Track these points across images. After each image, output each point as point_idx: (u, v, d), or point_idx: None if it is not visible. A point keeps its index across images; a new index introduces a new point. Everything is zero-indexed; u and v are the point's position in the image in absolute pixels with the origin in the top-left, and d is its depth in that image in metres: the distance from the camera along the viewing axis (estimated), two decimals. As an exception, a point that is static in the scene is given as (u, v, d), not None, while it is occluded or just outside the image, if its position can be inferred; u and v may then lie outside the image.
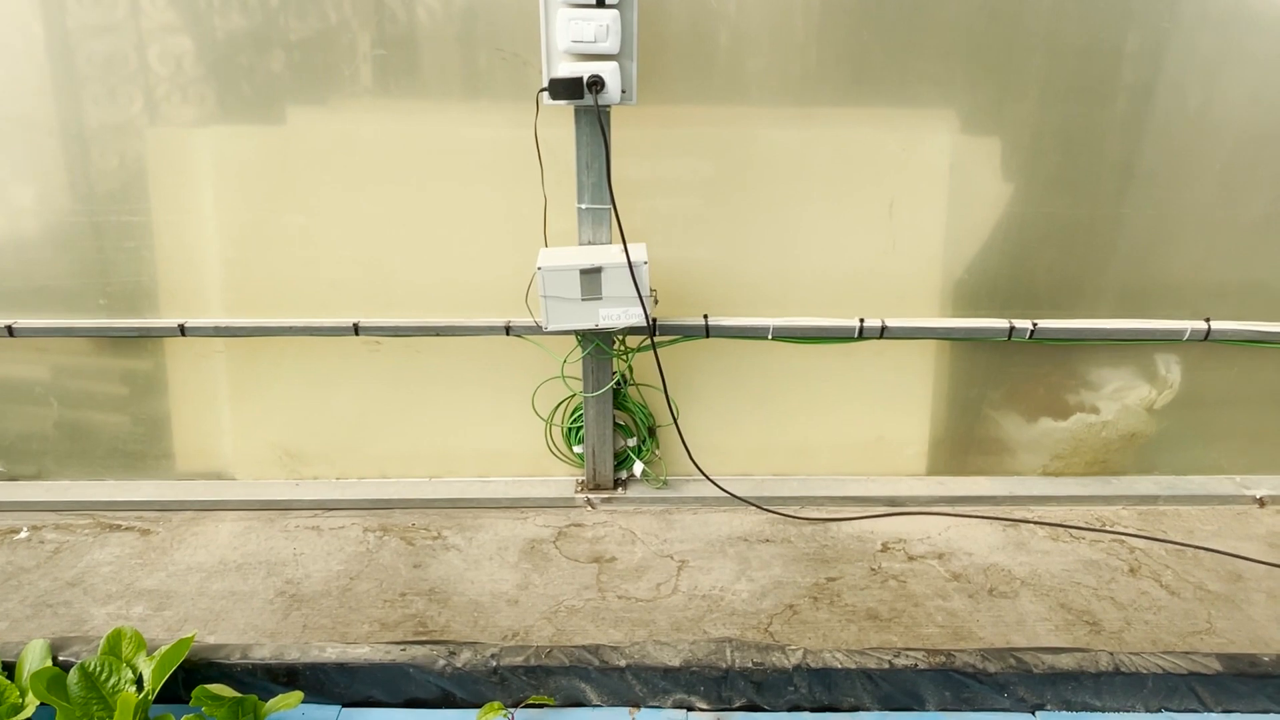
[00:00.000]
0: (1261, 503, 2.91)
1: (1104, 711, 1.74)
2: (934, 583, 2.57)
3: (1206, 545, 2.71)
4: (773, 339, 2.61)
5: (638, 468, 2.83)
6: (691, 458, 2.69)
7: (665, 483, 2.88)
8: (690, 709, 1.77)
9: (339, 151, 2.54)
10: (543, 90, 2.08)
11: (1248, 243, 2.66)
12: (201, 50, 2.45)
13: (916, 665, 1.75)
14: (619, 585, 2.56)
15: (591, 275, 2.30)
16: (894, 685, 1.76)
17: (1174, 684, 1.76)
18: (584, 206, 2.35)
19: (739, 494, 2.82)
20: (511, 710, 1.76)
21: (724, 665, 1.74)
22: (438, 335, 2.60)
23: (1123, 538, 2.77)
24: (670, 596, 2.52)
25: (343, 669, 1.78)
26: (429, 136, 2.51)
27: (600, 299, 2.33)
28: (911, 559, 2.68)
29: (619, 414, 2.78)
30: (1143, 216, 2.65)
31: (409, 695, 1.79)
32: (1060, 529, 2.81)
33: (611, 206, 2.30)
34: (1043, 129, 2.55)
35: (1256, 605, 2.48)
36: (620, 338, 2.58)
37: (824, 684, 1.75)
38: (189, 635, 1.69)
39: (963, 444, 2.96)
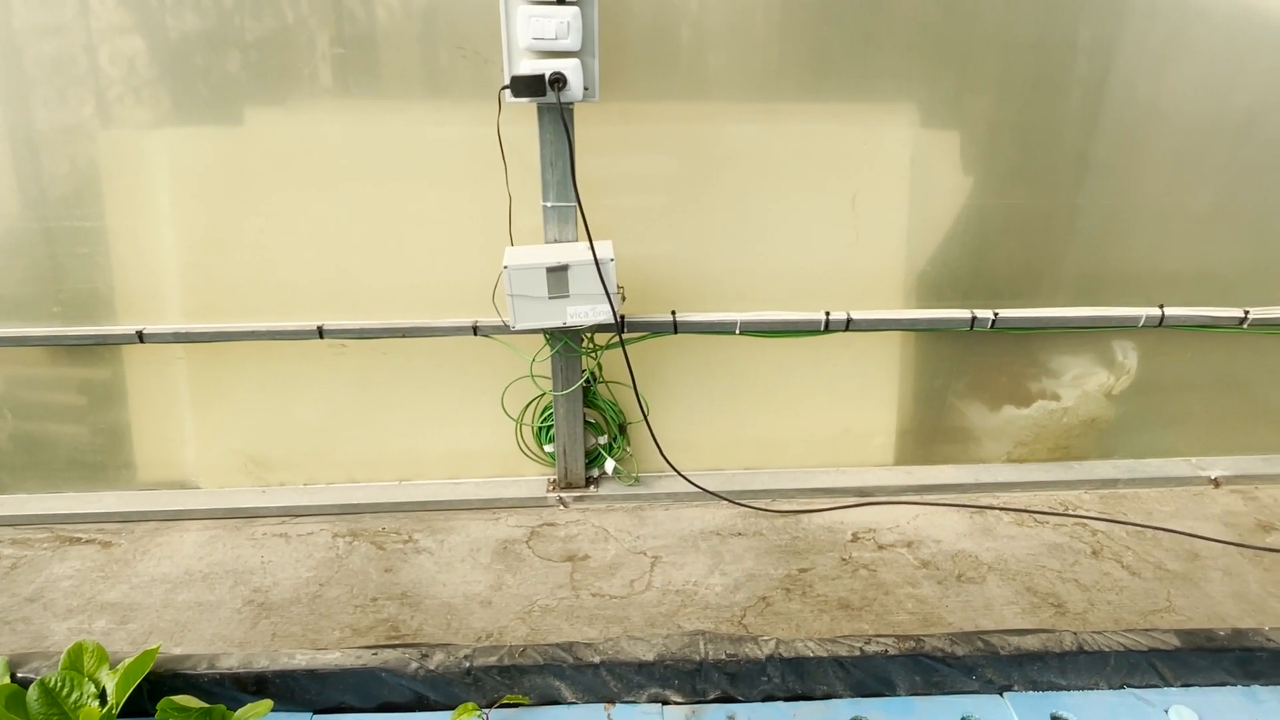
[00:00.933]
0: (1216, 483, 2.99)
1: (1069, 690, 1.78)
2: (904, 570, 2.61)
3: (1165, 526, 2.78)
4: (740, 334, 2.63)
5: (609, 465, 2.83)
6: (663, 454, 2.70)
7: (637, 480, 2.89)
8: (666, 703, 1.77)
9: (299, 153, 2.50)
10: (504, 88, 2.07)
11: (1197, 231, 2.74)
12: (154, 51, 2.40)
13: (887, 651, 1.77)
14: (592, 583, 2.56)
15: (558, 273, 2.29)
16: (865, 672, 1.78)
17: (1135, 661, 1.80)
18: (549, 204, 2.35)
19: (710, 489, 2.83)
20: (486, 711, 1.76)
21: (698, 658, 1.75)
22: (404, 337, 2.57)
23: (1085, 521, 2.83)
24: (644, 593, 2.52)
25: (313, 675, 1.75)
26: (391, 136, 2.49)
27: (567, 297, 2.33)
28: (881, 548, 2.72)
29: (589, 412, 2.78)
30: (1098, 207, 2.71)
31: (382, 699, 1.77)
32: (1025, 514, 2.86)
33: (577, 204, 2.29)
34: (1000, 122, 2.60)
35: (1213, 583, 2.56)
36: (589, 335, 2.58)
37: (796, 673, 1.77)
38: (154, 647, 1.66)
39: (929, 434, 3.01)
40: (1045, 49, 2.52)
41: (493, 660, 1.75)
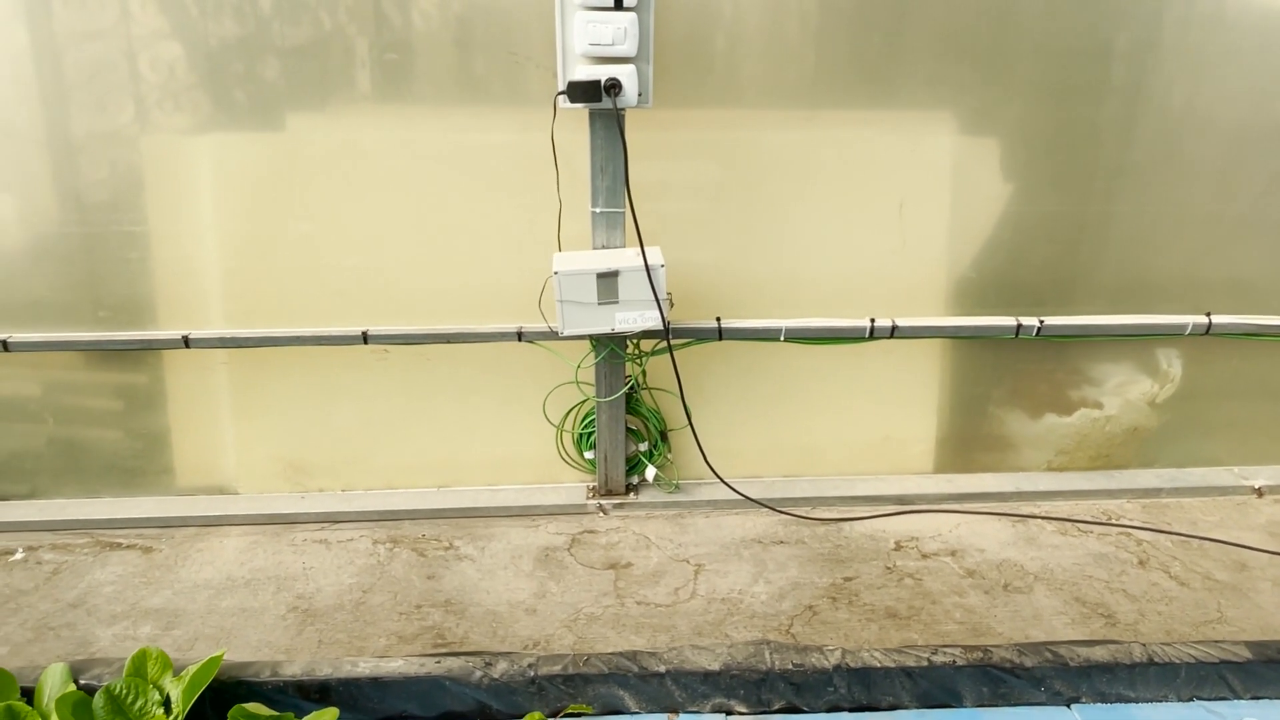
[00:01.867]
0: (1260, 492, 2.97)
1: (1137, 702, 1.76)
2: (949, 580, 2.59)
3: (1211, 536, 2.76)
4: (785, 340, 2.62)
5: (650, 472, 2.81)
6: (707, 461, 2.69)
7: (677, 486, 2.88)
8: (729, 713, 1.76)
9: (341, 158, 2.50)
10: (560, 93, 2.07)
11: (1238, 239, 2.72)
12: (194, 57, 2.40)
13: (954, 662, 1.76)
14: (637, 591, 2.54)
15: (608, 279, 2.28)
16: (932, 682, 1.76)
17: (1205, 673, 1.78)
18: (598, 210, 2.34)
19: (751, 495, 2.82)
20: (550, 720, 1.74)
21: (764, 668, 1.73)
22: (449, 342, 2.57)
23: (1129, 530, 2.81)
24: (689, 601, 2.51)
25: (376, 683, 1.74)
26: (433, 142, 2.49)
27: (616, 303, 2.32)
28: (925, 557, 2.70)
29: (630, 418, 2.77)
30: (1136, 213, 2.70)
31: (444, 709, 1.75)
32: (1068, 523, 2.84)
33: (629, 209, 2.29)
34: (1039, 129, 2.60)
35: (1263, 593, 2.53)
36: (635, 341, 2.57)
37: (863, 683, 1.75)
38: (218, 654, 1.65)
39: (969, 441, 2.99)
40: (1084, 55, 2.52)
41: (556, 669, 1.74)
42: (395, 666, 1.76)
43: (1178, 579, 2.60)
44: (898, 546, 2.75)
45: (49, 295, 2.61)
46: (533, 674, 1.74)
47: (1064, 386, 2.91)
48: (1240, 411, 2.98)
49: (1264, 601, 2.50)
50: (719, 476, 2.73)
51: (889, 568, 2.65)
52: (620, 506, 2.86)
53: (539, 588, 2.56)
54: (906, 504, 2.90)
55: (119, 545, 2.75)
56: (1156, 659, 1.77)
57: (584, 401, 2.74)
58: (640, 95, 2.18)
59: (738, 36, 2.44)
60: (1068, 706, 1.76)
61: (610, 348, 2.53)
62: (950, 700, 1.76)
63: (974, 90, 2.54)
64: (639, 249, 2.31)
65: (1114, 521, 2.86)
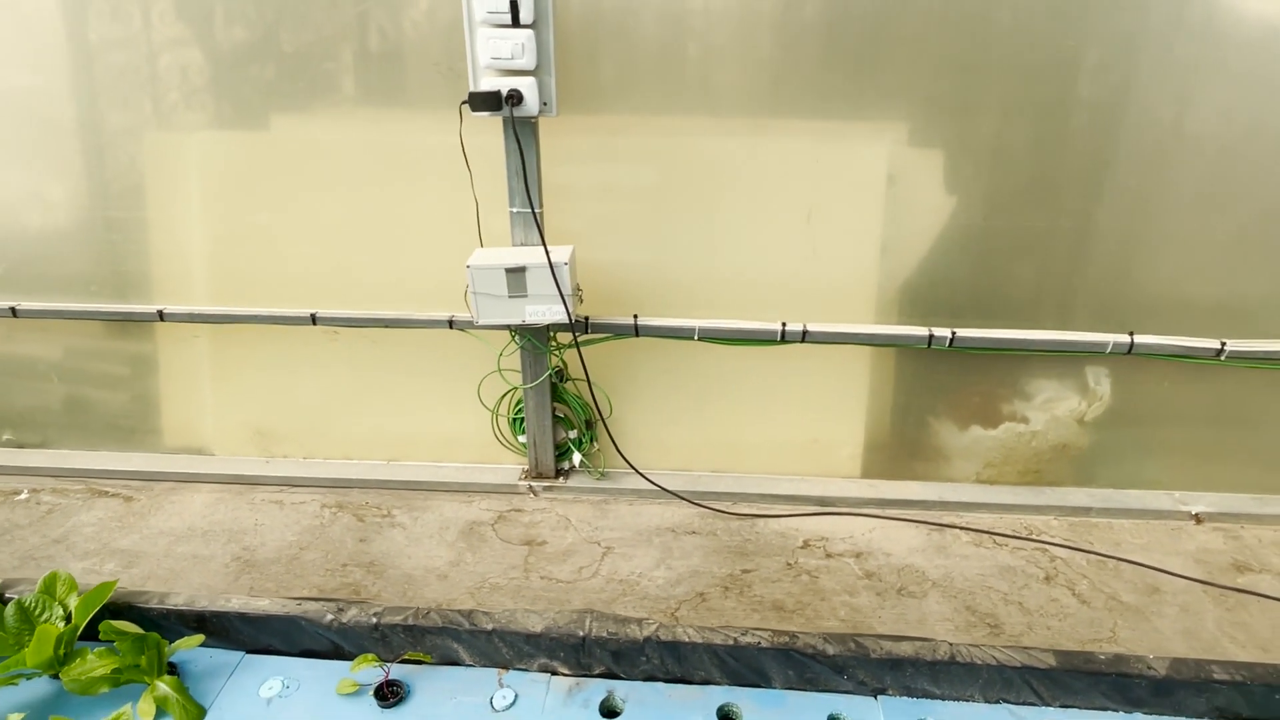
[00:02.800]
0: (1198, 519, 2.91)
1: (943, 700, 1.82)
2: (845, 579, 2.66)
3: (1130, 558, 2.73)
4: (699, 340, 2.74)
5: (576, 458, 2.98)
6: (619, 449, 2.84)
7: (603, 474, 3.03)
8: (554, 673, 1.91)
9: (312, 156, 2.75)
10: (463, 103, 2.27)
11: (1177, 258, 2.68)
12: (201, 62, 2.69)
13: (760, 644, 1.86)
14: (544, 567, 2.72)
15: (516, 274, 2.47)
16: (740, 661, 1.87)
17: (1010, 677, 1.82)
18: (515, 210, 2.53)
19: (670, 488, 2.95)
20: (389, 664, 1.94)
21: (581, 634, 1.88)
22: (387, 328, 2.80)
23: (1046, 546, 2.81)
24: (590, 579, 2.66)
25: (244, 618, 1.98)
26: (387, 144, 2.71)
27: (526, 296, 2.50)
28: (829, 556, 2.77)
29: (559, 406, 2.95)
30: (1080, 229, 2.69)
31: (304, 646, 1.97)
32: (985, 535, 2.86)
33: (531, 209, 2.47)
34: (987, 142, 2.60)
35: (1166, 618, 2.50)
36: (553, 334, 2.75)
37: (675, 656, 1.87)
38: (111, 581, 1.92)
39: (898, 449, 3.04)
40: (1044, 69, 2.52)
41: (398, 619, 1.93)
42: (261, 605, 1.99)
43: (1080, 596, 2.60)
44: (805, 545, 2.83)
45: (66, 269, 2.97)
46: (376, 621, 1.94)
47: (993, 400, 2.92)
48: (1183, 436, 2.91)
49: (1164, 625, 2.47)
50: (631, 465, 2.87)
51: (790, 564, 2.73)
52: (550, 489, 3.04)
53: (456, 557, 2.77)
54: (827, 505, 2.98)
55: (106, 493, 3.11)
56: (959, 658, 1.82)
57: (517, 388, 2.93)
58: (544, 105, 2.35)
59: (672, 46, 2.55)
60: (874, 697, 1.83)
61: (529, 338, 2.71)
62: (760, 681, 1.86)
63: (915, 102, 2.57)
64: (560, 246, 2.49)
65: (1032, 537, 2.86)
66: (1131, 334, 2.65)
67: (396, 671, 1.97)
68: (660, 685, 1.86)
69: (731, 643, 1.86)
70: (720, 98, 2.62)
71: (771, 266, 2.79)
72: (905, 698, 1.83)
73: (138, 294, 3.00)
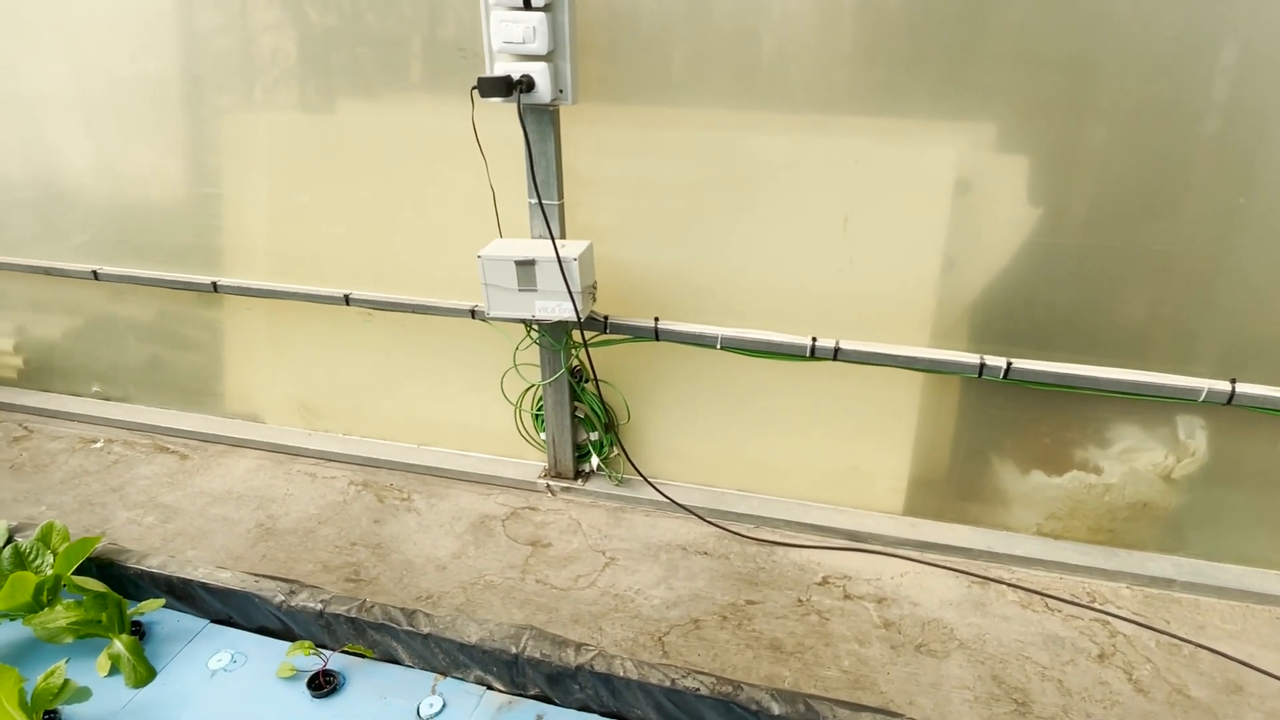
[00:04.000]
0: (1313, 610, 2.42)
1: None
2: (859, 626, 2.41)
3: (1212, 645, 2.31)
4: (722, 349, 2.56)
5: (594, 462, 2.88)
6: (628, 457, 2.71)
7: (621, 481, 2.91)
8: (489, 687, 1.81)
9: (368, 140, 2.75)
10: (473, 88, 2.20)
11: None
12: (290, 47, 2.75)
13: (699, 690, 1.68)
14: (542, 570, 2.63)
15: (526, 267, 2.39)
16: (678, 706, 1.70)
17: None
18: (533, 201, 2.45)
19: (687, 503, 2.79)
20: (327, 653, 1.91)
21: (514, 651, 1.77)
22: (413, 313, 2.81)
23: (1109, 619, 2.42)
24: (585, 589, 2.56)
25: (206, 588, 2.02)
26: (435, 128, 2.66)
27: (535, 291, 2.42)
28: (847, 597, 2.52)
29: (581, 406, 2.85)
30: (1184, 255, 2.28)
31: (259, 623, 1.99)
32: (1036, 596, 2.51)
33: (537, 201, 2.37)
34: (1083, 150, 2.23)
35: (1244, 724, 2.09)
36: (570, 331, 2.65)
37: (609, 689, 1.73)
38: (95, 536, 2.01)
39: (947, 487, 2.72)
40: (1112, 71, 2.16)
41: (343, 610, 1.90)
42: (224, 577, 2.02)
43: (1138, 683, 2.22)
44: (824, 581, 2.59)
45: (160, 239, 3.16)
46: (321, 609, 1.92)
47: (1064, 443, 2.55)
48: (1302, 507, 2.43)
49: (1238, 734, 2.07)
50: (641, 474, 2.74)
51: (801, 600, 2.51)
52: (568, 490, 2.95)
53: (460, 549, 2.74)
54: (857, 541, 2.72)
55: (167, 450, 3.32)
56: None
57: (534, 385, 2.86)
58: (560, 92, 2.25)
59: (714, 35, 2.36)
60: (823, 769, 1.61)
61: (543, 334, 2.63)
62: (698, 729, 1.68)
63: (988, 100, 2.26)
64: (575, 241, 2.39)
65: (1094, 605, 2.47)
66: (1234, 381, 2.22)
67: (337, 662, 1.95)
68: (592, 718, 1.73)
69: (669, 684, 1.70)
70: (785, 91, 2.38)
71: (811, 276, 2.55)
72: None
73: (211, 266, 3.16)
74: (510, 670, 1.80)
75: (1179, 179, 2.20)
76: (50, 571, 1.99)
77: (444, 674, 1.85)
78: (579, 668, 1.73)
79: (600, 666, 1.73)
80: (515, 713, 1.80)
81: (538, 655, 1.78)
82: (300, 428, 3.30)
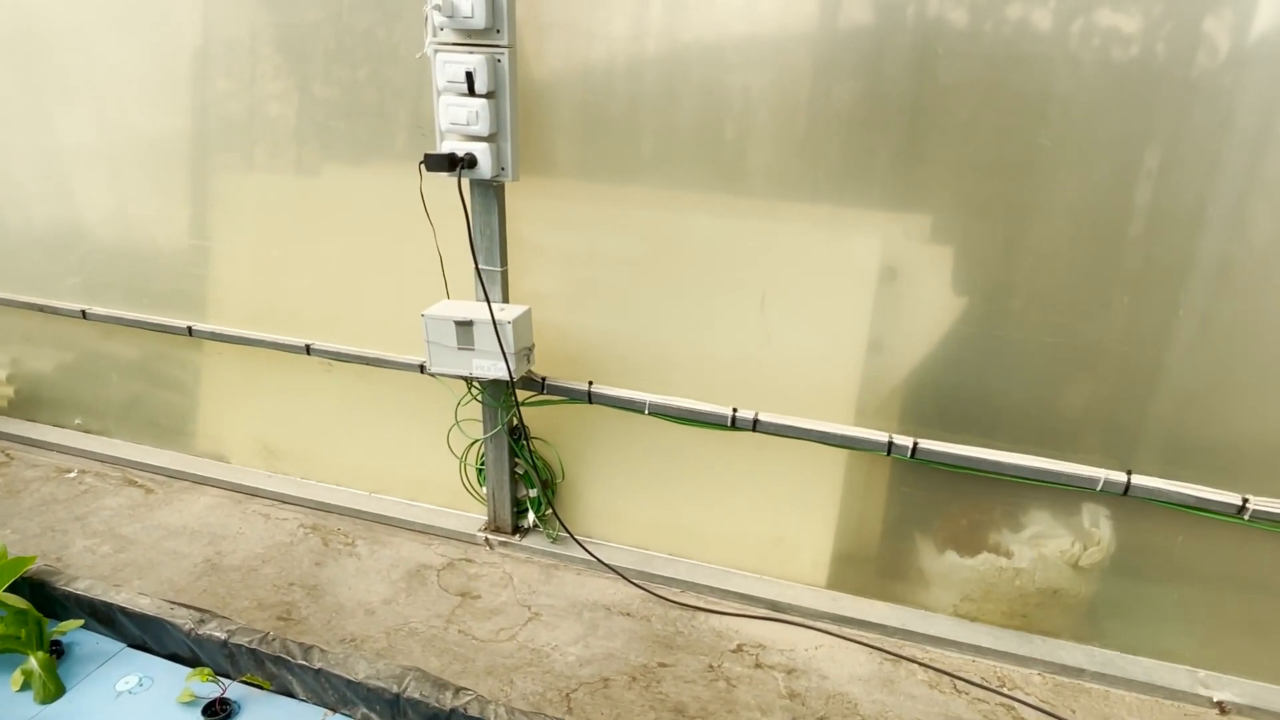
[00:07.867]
0: (1222, 709, 2.41)
1: None
2: (765, 695, 2.45)
3: (1112, 738, 2.31)
4: (650, 415, 2.67)
5: (530, 519, 2.97)
6: (557, 515, 2.80)
7: (557, 538, 3.00)
8: (373, 727, 1.89)
9: (345, 204, 2.96)
10: (420, 163, 2.40)
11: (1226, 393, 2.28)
12: (285, 116, 2.99)
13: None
14: (466, 621, 2.71)
15: (465, 327, 2.54)
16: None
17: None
18: (479, 267, 2.62)
19: (616, 564, 2.86)
20: (226, 682, 2.00)
21: (396, 690, 1.85)
22: (367, 365, 2.96)
23: (1015, 704, 2.44)
24: (504, 643, 2.63)
25: (124, 612, 2.12)
26: (394, 195, 2.86)
27: (473, 350, 2.57)
28: (758, 666, 2.56)
29: (521, 463, 2.96)
30: (1104, 350, 2.35)
31: (171, 650, 2.08)
32: (946, 677, 2.53)
33: (476, 271, 2.54)
34: (1012, 242, 2.33)
35: (1130, 820, 2.09)
36: (510, 389, 2.78)
37: (484, 736, 1.80)
38: (29, 556, 2.14)
39: (868, 563, 2.77)
40: (1035, 166, 2.28)
41: (245, 641, 2.00)
42: (143, 603, 2.13)
43: (1030, 772, 2.23)
44: (738, 649, 2.64)
45: (148, 284, 3.37)
46: (226, 638, 2.01)
47: (980, 526, 2.61)
48: (1206, 602, 2.45)
49: (1122, 829, 2.07)
50: (569, 532, 2.82)
51: (713, 666, 2.56)
52: (505, 545, 3.04)
53: (391, 596, 2.83)
54: (777, 611, 2.77)
55: (135, 483, 3.47)
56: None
57: (477, 440, 2.98)
58: (503, 169, 2.44)
59: (667, 121, 2.52)
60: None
61: (483, 391, 2.77)
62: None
63: (925, 194, 2.38)
64: (514, 306, 2.56)
65: (1003, 690, 2.49)
66: (1129, 472, 2.29)
67: (236, 692, 2.04)
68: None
69: (537, 734, 1.76)
70: (738, 176, 2.52)
71: (734, 351, 2.67)
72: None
73: (197, 311, 3.35)
74: (392, 710, 1.88)
75: (1104, 276, 2.27)
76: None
77: (333, 709, 1.93)
78: (453, 711, 1.81)
79: (474, 711, 1.80)
80: (394, 753, 1.87)
81: (417, 696, 1.85)
82: (261, 469, 3.44)
